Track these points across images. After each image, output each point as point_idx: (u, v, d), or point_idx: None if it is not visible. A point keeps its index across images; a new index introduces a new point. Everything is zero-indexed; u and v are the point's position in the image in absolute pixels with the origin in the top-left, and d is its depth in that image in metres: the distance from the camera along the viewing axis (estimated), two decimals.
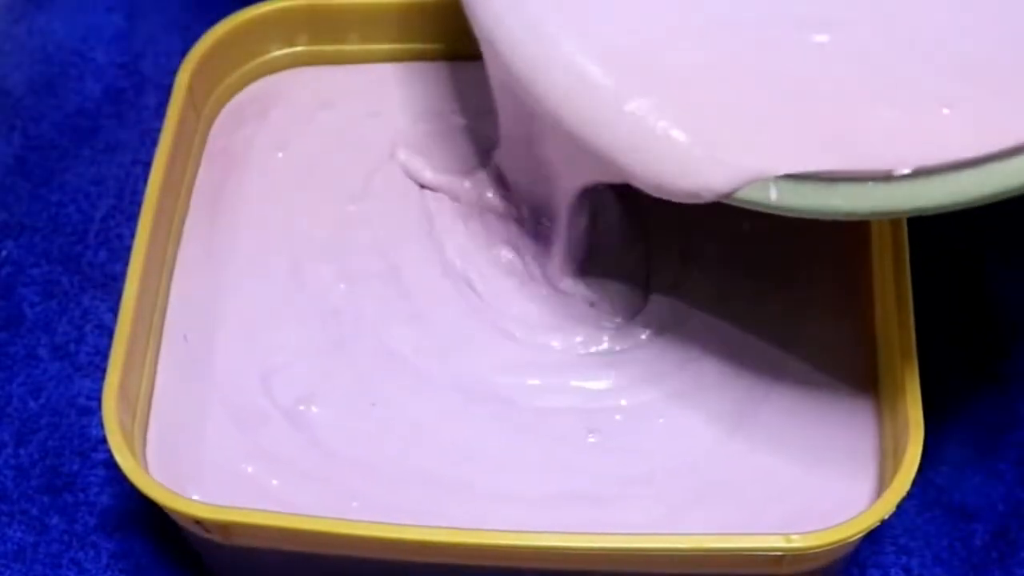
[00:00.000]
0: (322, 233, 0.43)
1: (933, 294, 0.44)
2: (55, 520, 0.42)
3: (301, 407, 0.39)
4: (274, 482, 0.37)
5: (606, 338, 0.40)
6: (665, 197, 0.34)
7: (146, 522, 0.42)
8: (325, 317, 0.41)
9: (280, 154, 0.44)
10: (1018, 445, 0.43)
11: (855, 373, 0.39)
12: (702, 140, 0.33)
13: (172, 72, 0.43)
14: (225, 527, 0.35)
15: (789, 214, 0.33)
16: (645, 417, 0.39)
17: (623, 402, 0.39)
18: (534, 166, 0.39)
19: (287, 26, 0.46)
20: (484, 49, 0.37)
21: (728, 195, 0.33)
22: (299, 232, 0.43)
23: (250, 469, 0.38)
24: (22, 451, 0.43)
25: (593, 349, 0.40)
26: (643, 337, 0.40)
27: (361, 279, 0.42)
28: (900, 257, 0.39)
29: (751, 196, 0.32)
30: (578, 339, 0.40)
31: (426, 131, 0.45)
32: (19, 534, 0.42)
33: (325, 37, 0.46)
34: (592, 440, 0.38)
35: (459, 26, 0.38)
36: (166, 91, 0.43)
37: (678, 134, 0.33)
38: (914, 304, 0.38)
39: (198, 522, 0.35)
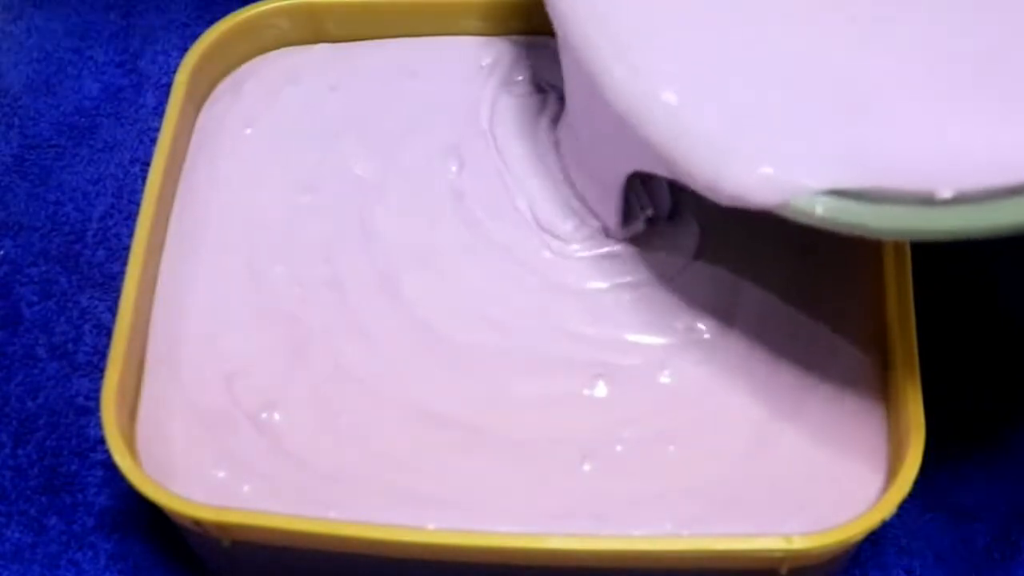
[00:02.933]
0: (276, 227, 0.41)
1: (934, 294, 0.44)
2: (53, 521, 0.42)
3: (264, 414, 0.38)
4: (245, 488, 0.36)
5: (602, 383, 0.38)
6: (713, 199, 0.34)
7: (144, 523, 0.42)
8: (281, 322, 0.39)
9: (248, 130, 0.44)
10: (1020, 445, 0.43)
11: (866, 383, 0.38)
12: (751, 151, 0.33)
13: (171, 71, 0.43)
14: (225, 528, 0.35)
15: (832, 228, 0.33)
16: (651, 445, 0.37)
17: (625, 434, 0.37)
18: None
19: (286, 24, 0.46)
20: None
21: (776, 206, 0.33)
22: (257, 225, 0.41)
23: (221, 474, 0.37)
24: (20, 451, 0.43)
25: (585, 392, 0.38)
26: (658, 381, 0.38)
27: (309, 284, 0.40)
28: (902, 256, 0.39)
29: (797, 207, 0.33)
30: (554, 382, 0.38)
31: (385, 103, 0.44)
32: (17, 535, 0.42)
33: (323, 35, 0.46)
34: (587, 468, 0.37)
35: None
36: (165, 90, 0.43)
37: (728, 143, 0.33)
38: (915, 304, 0.38)
39: (197, 523, 0.35)
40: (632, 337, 0.39)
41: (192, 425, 0.38)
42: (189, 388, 0.38)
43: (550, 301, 0.40)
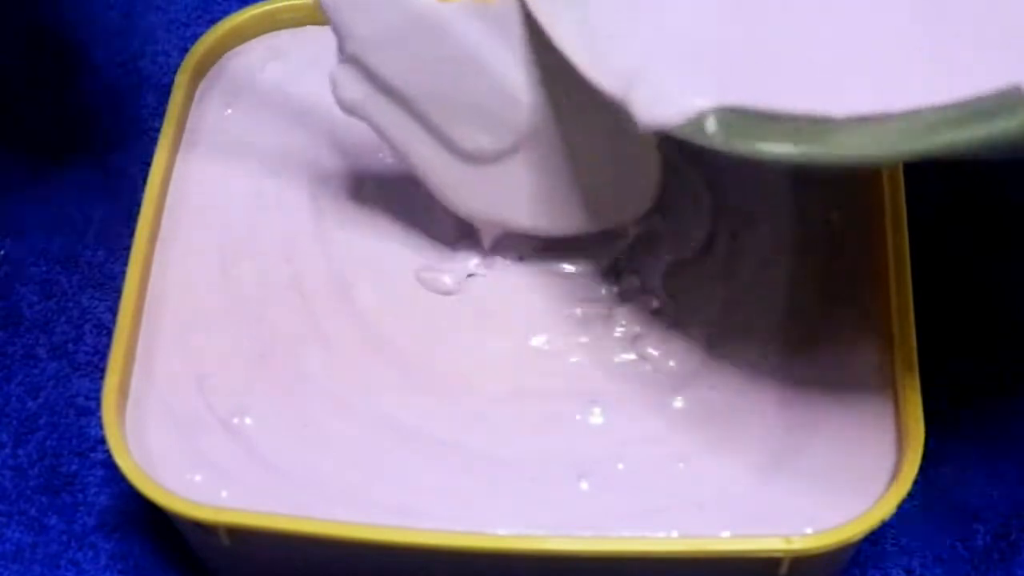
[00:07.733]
0: (245, 218, 0.41)
1: (934, 294, 0.44)
2: (54, 520, 0.42)
3: (235, 419, 0.37)
4: (223, 494, 0.36)
5: (597, 409, 0.37)
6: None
7: (145, 522, 0.42)
8: (248, 324, 0.39)
9: (229, 111, 0.44)
10: (1020, 445, 0.43)
11: (872, 389, 0.38)
12: (650, 77, 0.33)
13: (171, 71, 0.43)
14: (226, 528, 0.35)
15: (731, 154, 0.32)
16: (659, 463, 0.36)
17: (628, 453, 0.36)
18: None
19: (286, 24, 0.46)
20: None
21: (670, 128, 0.33)
22: (229, 216, 0.41)
23: (198, 478, 0.36)
24: (20, 451, 0.43)
25: (579, 418, 0.37)
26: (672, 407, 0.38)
27: (273, 284, 0.40)
28: (900, 256, 0.39)
29: (689, 131, 0.32)
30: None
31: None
32: (17, 534, 0.42)
33: (314, 19, 0.46)
34: (584, 486, 0.36)
35: None
36: (165, 90, 0.43)
37: (633, 72, 0.34)
38: (916, 305, 0.38)
39: (197, 523, 0.35)
40: (637, 368, 0.38)
41: (168, 427, 0.37)
42: (163, 389, 0.38)
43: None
